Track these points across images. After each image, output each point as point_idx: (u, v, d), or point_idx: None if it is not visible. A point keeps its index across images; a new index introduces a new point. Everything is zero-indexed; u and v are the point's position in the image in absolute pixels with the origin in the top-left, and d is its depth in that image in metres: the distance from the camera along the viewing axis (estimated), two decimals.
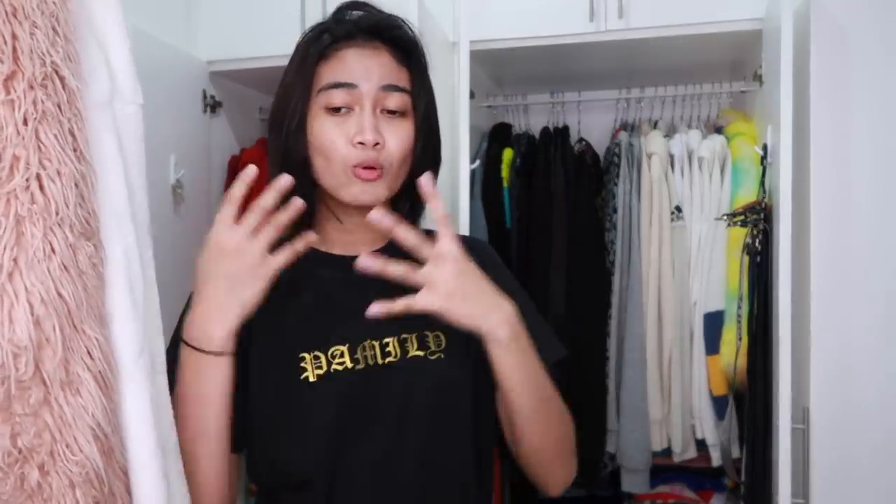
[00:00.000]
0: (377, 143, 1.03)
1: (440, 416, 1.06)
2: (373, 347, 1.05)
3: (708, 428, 2.14)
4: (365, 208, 1.05)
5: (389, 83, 1.05)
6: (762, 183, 1.96)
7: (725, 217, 2.05)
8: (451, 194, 1.99)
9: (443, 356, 1.06)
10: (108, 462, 0.71)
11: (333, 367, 1.03)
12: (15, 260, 0.63)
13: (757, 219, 1.89)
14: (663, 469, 2.32)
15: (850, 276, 1.87)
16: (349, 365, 1.03)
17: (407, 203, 1.14)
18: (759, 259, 1.90)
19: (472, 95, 2.02)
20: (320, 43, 1.06)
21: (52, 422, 0.65)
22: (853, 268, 1.88)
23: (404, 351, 1.05)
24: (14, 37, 0.65)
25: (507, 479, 2.51)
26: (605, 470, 2.28)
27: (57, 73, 0.68)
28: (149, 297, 0.84)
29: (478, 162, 2.32)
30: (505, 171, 2.36)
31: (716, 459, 2.16)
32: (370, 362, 1.04)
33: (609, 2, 2.09)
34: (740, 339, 1.99)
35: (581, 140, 2.49)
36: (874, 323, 1.87)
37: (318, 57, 1.06)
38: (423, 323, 1.04)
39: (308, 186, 1.07)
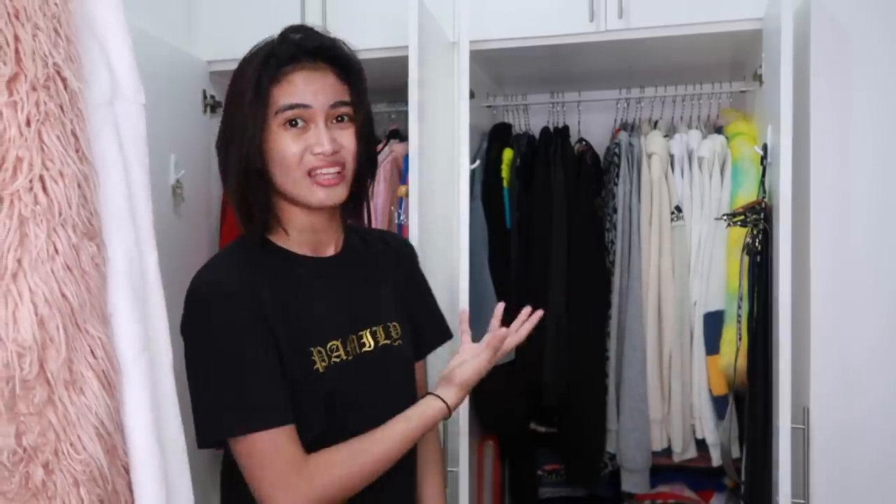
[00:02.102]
0: (335, 152, 1.21)
1: (405, 387, 1.36)
2: (354, 340, 1.28)
3: (708, 428, 2.14)
4: (327, 209, 1.27)
5: (337, 100, 1.22)
6: (762, 183, 1.96)
7: (725, 217, 2.05)
8: (452, 194, 1.99)
9: (401, 342, 1.35)
10: (112, 460, 0.71)
11: (333, 359, 1.24)
12: (19, 261, 0.63)
13: (757, 219, 1.89)
14: (663, 469, 2.32)
15: (850, 275, 1.87)
16: (344, 357, 1.25)
17: (351, 201, 1.31)
18: (759, 259, 1.90)
19: (472, 95, 2.02)
20: (270, 67, 1.20)
21: (57, 421, 0.65)
22: (853, 267, 1.88)
23: (376, 340, 1.31)
24: (16, 39, 0.65)
25: (506, 458, 2.53)
26: (605, 470, 2.28)
27: (59, 74, 0.69)
28: (153, 297, 0.84)
29: (478, 162, 2.32)
30: (505, 171, 2.37)
31: (716, 459, 2.16)
32: (357, 352, 1.28)
33: (609, 2, 2.09)
34: (740, 338, 1.99)
35: (581, 140, 2.49)
36: (874, 323, 1.87)
37: (271, 81, 1.19)
38: (384, 316, 1.34)
39: (267, 195, 1.24)
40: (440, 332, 1.51)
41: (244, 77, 1.21)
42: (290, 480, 1.13)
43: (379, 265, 1.40)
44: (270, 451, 1.13)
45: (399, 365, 1.35)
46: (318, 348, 1.22)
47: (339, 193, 1.23)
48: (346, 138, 1.23)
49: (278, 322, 1.19)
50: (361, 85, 1.27)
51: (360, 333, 1.29)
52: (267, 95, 1.19)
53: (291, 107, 1.19)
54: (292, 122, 1.20)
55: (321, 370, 1.21)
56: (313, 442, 1.19)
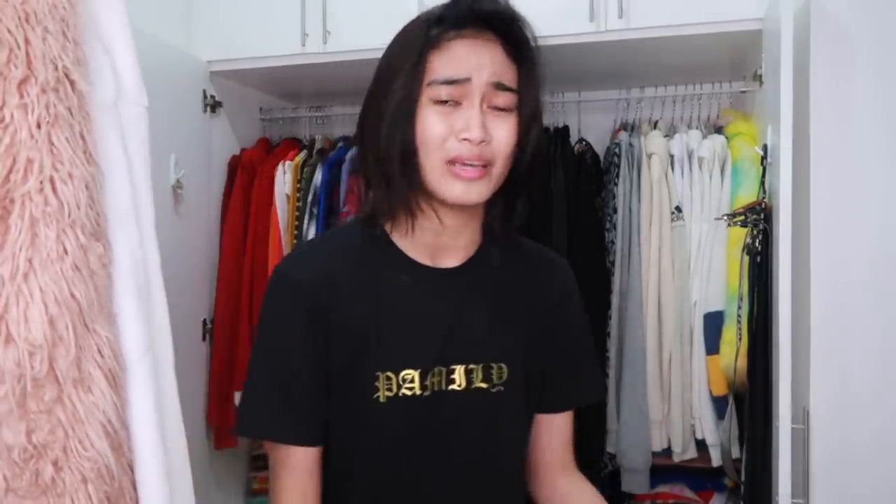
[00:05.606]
0: (483, 141, 1.00)
1: (494, 444, 1.11)
2: (440, 374, 1.07)
3: (708, 428, 2.15)
4: (465, 209, 1.06)
5: (499, 81, 1.01)
6: (762, 183, 1.96)
7: (725, 217, 2.05)
8: None
9: (503, 389, 1.10)
10: (118, 457, 0.72)
11: (402, 391, 1.05)
12: (30, 261, 0.64)
13: (757, 219, 1.90)
14: (663, 469, 2.32)
15: (850, 275, 1.87)
16: (417, 392, 1.05)
17: (501, 200, 1.10)
18: (759, 259, 1.90)
19: None
20: (431, 31, 1.01)
21: (65, 419, 0.66)
22: (853, 268, 1.88)
23: (469, 381, 1.08)
24: (27, 42, 0.65)
25: None
26: (605, 470, 2.28)
27: (68, 77, 0.69)
28: (156, 297, 0.85)
29: None
30: None
31: (716, 459, 2.17)
32: (436, 388, 1.07)
33: (609, 2, 2.09)
34: (740, 339, 1.99)
35: (581, 140, 2.50)
36: (874, 322, 1.87)
37: (430, 46, 1.01)
38: (490, 354, 1.10)
39: (412, 182, 1.03)
40: (580, 390, 1.22)
41: (398, 43, 1.06)
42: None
43: (512, 290, 1.15)
44: (278, 460, 1.07)
45: (490, 416, 1.10)
46: (388, 374, 1.04)
47: (480, 192, 1.02)
48: (503, 130, 1.02)
49: (344, 332, 1.04)
50: (533, 71, 1.06)
51: (452, 368, 1.07)
52: (424, 62, 1.00)
53: (449, 81, 0.99)
54: (443, 100, 1.00)
55: (382, 400, 1.04)
56: (358, 486, 1.07)
